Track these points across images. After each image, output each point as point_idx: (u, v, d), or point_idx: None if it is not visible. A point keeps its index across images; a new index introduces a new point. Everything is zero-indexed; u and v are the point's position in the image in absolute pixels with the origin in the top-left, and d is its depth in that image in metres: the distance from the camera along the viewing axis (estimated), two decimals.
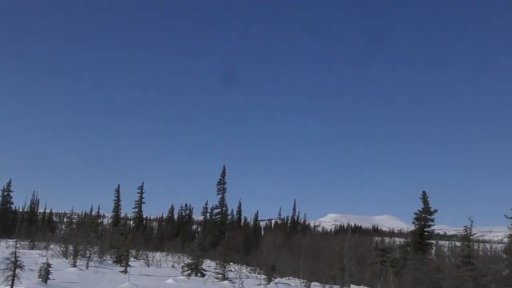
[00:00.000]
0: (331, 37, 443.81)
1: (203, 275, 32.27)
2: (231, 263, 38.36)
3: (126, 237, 35.00)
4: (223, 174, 76.61)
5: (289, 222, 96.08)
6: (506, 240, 43.90)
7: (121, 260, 34.37)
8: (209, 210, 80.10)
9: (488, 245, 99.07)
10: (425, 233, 43.72)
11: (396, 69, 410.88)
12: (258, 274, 40.51)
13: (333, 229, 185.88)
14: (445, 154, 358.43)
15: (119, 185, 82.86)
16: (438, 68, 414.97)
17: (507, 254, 42.48)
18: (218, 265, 31.54)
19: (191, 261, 34.22)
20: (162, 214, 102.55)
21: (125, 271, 28.67)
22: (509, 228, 40.69)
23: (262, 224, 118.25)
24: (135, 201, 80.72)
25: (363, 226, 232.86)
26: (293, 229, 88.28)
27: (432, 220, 43.60)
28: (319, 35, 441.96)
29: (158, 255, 51.82)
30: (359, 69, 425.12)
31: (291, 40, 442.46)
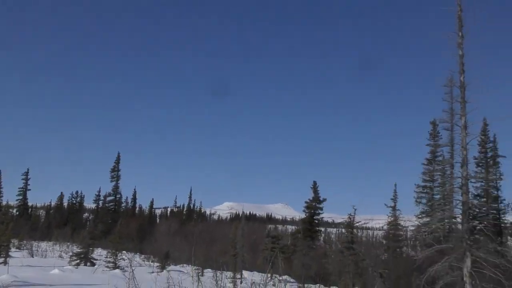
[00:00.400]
0: None
1: (93, 264, 31.20)
2: (124, 252, 37.44)
3: (7, 226, 32.59)
4: (117, 161, 74.48)
5: (185, 210, 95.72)
6: (385, 227, 47.78)
7: (1, 251, 31.97)
8: (102, 198, 77.44)
9: (370, 232, 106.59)
10: (315, 221, 46.06)
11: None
12: (151, 262, 40.05)
13: (229, 217, 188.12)
14: (333, 146, 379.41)
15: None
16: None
17: (386, 240, 46.31)
18: (110, 254, 30.69)
19: (80, 250, 32.92)
20: (51, 202, 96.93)
21: (5, 262, 26.87)
22: (388, 216, 44.38)
23: (158, 212, 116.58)
24: (19, 188, 75.80)
25: (257, 214, 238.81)
26: (189, 217, 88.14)
27: (321, 209, 46.03)
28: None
29: (44, 244, 49.08)
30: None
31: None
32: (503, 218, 39.73)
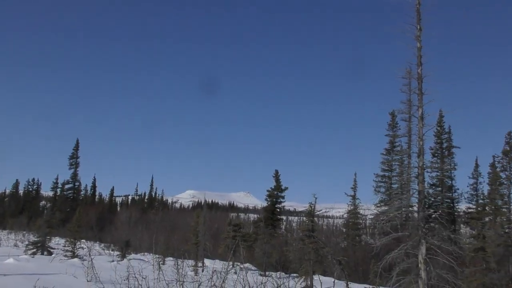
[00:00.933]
0: None
1: (50, 254, 30.52)
2: (83, 240, 36.78)
3: None
4: (76, 148, 72.89)
5: (146, 198, 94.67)
6: (345, 216, 48.82)
7: None
8: (60, 185, 75.62)
9: (331, 220, 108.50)
10: (276, 209, 46.55)
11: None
12: (112, 250, 39.53)
13: (191, 205, 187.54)
14: (295, 135, 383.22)
15: None
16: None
17: (346, 228, 47.33)
18: (68, 243, 30.09)
19: (36, 239, 32.12)
20: (5, 190, 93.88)
21: None
22: (348, 205, 45.33)
23: (119, 200, 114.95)
24: None
25: (220, 203, 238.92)
26: (150, 205, 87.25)
27: (283, 197, 46.57)
28: None
29: None
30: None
31: None
32: (457, 206, 41.26)
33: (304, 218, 29.02)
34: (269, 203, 46.44)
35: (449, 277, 13.86)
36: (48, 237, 32.12)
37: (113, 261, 27.72)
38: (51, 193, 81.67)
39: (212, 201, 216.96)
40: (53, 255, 28.66)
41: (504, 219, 23.51)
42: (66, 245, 30.01)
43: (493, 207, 25.96)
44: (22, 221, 60.82)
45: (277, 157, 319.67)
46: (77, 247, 30.18)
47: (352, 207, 44.53)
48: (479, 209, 27.74)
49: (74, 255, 28.89)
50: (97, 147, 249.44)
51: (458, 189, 41.37)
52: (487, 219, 25.63)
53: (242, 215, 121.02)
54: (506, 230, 22.50)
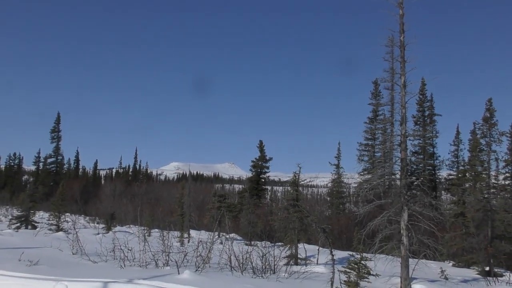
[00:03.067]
0: None
1: (34, 228, 30.38)
2: (68, 214, 36.65)
3: None
4: (58, 121, 71.90)
5: (130, 171, 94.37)
6: (330, 184, 49.30)
7: None
8: (42, 160, 74.83)
9: (315, 189, 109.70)
10: (261, 180, 46.86)
11: None
12: (97, 223, 39.51)
13: (176, 177, 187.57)
14: (279, 106, 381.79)
15: None
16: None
17: (330, 197, 47.91)
18: (52, 216, 29.96)
19: (20, 213, 31.90)
20: None
21: None
22: (332, 174, 45.77)
23: (103, 173, 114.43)
24: None
25: (204, 174, 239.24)
26: (135, 178, 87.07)
27: (268, 168, 46.85)
28: None
29: None
30: None
31: None
32: (438, 173, 41.99)
33: (289, 187, 29.20)
34: (254, 173, 46.68)
35: (430, 242, 14.17)
36: (32, 211, 31.91)
37: (98, 233, 27.73)
38: (33, 168, 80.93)
39: (197, 172, 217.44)
40: (37, 229, 28.55)
41: (484, 185, 23.97)
42: (51, 219, 29.88)
43: (473, 173, 26.42)
44: (5, 195, 60.30)
45: (261, 128, 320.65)
46: (62, 220, 30.08)
47: (336, 176, 45.01)
48: (459, 175, 28.19)
49: (58, 229, 28.81)
50: (79, 120, 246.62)
51: (439, 156, 42.11)
52: (467, 185, 26.09)
53: (227, 186, 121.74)
54: (485, 196, 22.94)
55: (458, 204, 24.20)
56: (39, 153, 76.08)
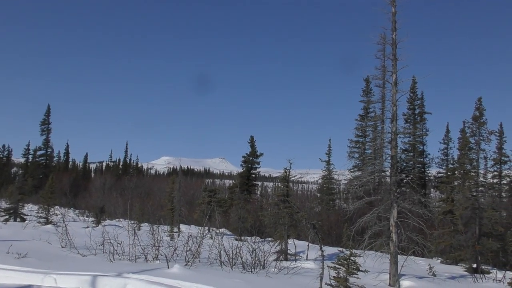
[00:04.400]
0: None
1: (23, 220, 30.19)
2: (57, 207, 36.41)
3: None
4: (48, 113, 71.33)
5: (120, 164, 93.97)
6: (320, 181, 49.50)
7: None
8: (31, 152, 74.23)
9: (306, 186, 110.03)
10: (252, 175, 46.87)
11: None
12: (86, 217, 39.33)
13: (166, 172, 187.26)
14: (270, 101, 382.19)
15: None
16: None
17: (320, 193, 48.08)
18: (41, 209, 29.76)
19: (9, 206, 31.67)
20: None
21: None
22: (323, 170, 45.92)
23: (93, 166, 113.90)
24: None
25: (195, 169, 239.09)
26: (125, 172, 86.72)
27: (258, 163, 46.85)
28: None
29: None
30: None
31: None
32: (427, 171, 42.30)
33: (279, 183, 29.28)
34: (244, 169, 46.69)
35: (419, 239, 14.30)
36: (21, 204, 31.66)
37: (87, 227, 27.63)
38: (22, 160, 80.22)
39: (187, 167, 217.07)
40: (26, 222, 28.37)
41: (472, 183, 24.20)
42: (40, 212, 29.66)
43: (462, 171, 26.65)
44: None
45: (252, 123, 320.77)
46: (51, 213, 29.89)
47: (326, 173, 45.16)
48: (448, 173, 28.45)
49: (47, 222, 28.63)
50: (70, 113, 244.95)
51: (429, 154, 42.42)
52: (456, 183, 26.32)
53: (217, 181, 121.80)
54: (474, 194, 23.16)
55: (446, 201, 24.41)
56: (28, 145, 75.47)
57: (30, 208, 38.66)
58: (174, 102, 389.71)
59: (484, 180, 32.32)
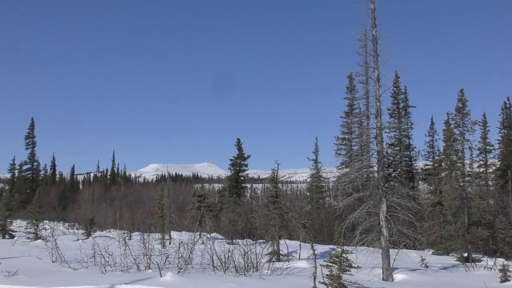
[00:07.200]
0: None
1: (12, 237, 29.83)
2: (46, 221, 36.03)
3: None
4: (32, 127, 70.53)
5: (108, 174, 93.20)
6: (309, 179, 49.59)
7: None
8: (17, 167, 73.28)
9: (295, 185, 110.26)
10: (240, 178, 46.84)
11: None
12: (76, 229, 38.97)
13: (155, 179, 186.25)
14: (255, 103, 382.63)
15: None
16: None
17: (309, 192, 48.17)
18: (30, 224, 29.40)
19: None
20: None
21: None
22: (311, 169, 46.02)
23: (80, 178, 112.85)
24: None
25: (184, 175, 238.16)
26: (113, 181, 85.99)
27: (246, 165, 46.84)
28: None
29: None
30: None
31: None
32: (414, 164, 42.66)
33: (268, 184, 29.29)
34: (232, 172, 46.64)
35: (409, 232, 14.42)
36: (9, 220, 31.27)
37: (78, 239, 27.37)
38: (8, 175, 79.13)
39: (176, 173, 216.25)
40: (15, 238, 28.02)
41: (459, 174, 24.45)
42: (28, 227, 29.30)
43: (448, 162, 26.89)
44: None
45: (238, 126, 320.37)
46: (40, 228, 29.55)
47: (314, 171, 45.28)
48: (435, 165, 28.66)
49: (37, 237, 28.31)
50: (54, 126, 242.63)
51: (415, 147, 42.78)
52: (443, 174, 26.58)
53: (206, 186, 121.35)
54: (461, 184, 23.42)
55: (435, 193, 24.65)
56: (14, 160, 74.50)
57: (18, 224, 38.15)
58: (158, 108, 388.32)
59: (471, 170, 32.68)
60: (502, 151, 40.16)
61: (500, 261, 18.08)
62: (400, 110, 42.10)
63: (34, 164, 72.36)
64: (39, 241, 26.20)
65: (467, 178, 24.79)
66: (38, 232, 29.03)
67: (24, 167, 71.74)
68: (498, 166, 39.99)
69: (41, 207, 30.42)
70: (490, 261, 18.51)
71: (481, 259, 20.63)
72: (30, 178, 71.67)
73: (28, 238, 27.91)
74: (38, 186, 60.55)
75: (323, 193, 45.51)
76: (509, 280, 13.06)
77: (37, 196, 30.25)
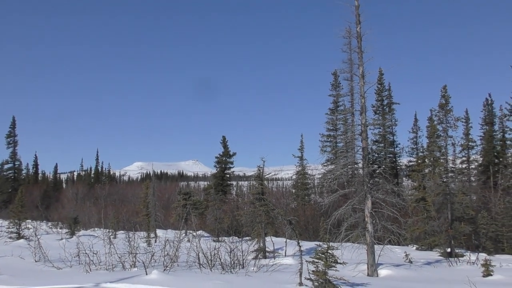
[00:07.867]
0: None
1: None
2: (28, 220, 35.57)
3: None
4: (13, 126, 69.50)
5: (92, 173, 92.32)
6: (294, 177, 49.70)
7: None
8: None
9: (280, 182, 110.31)
10: (226, 175, 46.80)
11: None
12: (60, 228, 38.55)
13: (140, 177, 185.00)
14: (240, 100, 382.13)
15: None
16: None
17: (295, 189, 48.29)
18: (12, 224, 29.01)
19: None
20: None
21: None
22: (296, 166, 46.14)
23: (64, 177, 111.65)
24: None
25: (169, 173, 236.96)
26: (97, 180, 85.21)
27: (232, 163, 46.82)
28: None
29: None
30: None
31: None
32: (399, 161, 43.02)
33: (254, 182, 29.29)
34: (218, 169, 46.57)
35: (394, 228, 14.54)
36: None
37: (61, 239, 27.07)
38: None
39: (160, 171, 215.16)
40: None
41: (442, 170, 24.69)
42: (10, 227, 28.90)
43: (432, 159, 27.16)
44: None
45: (224, 124, 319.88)
46: (22, 228, 29.17)
47: (300, 168, 45.38)
48: (419, 161, 28.98)
49: (19, 236, 27.95)
50: (36, 124, 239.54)
51: (399, 144, 43.13)
52: (426, 170, 26.81)
53: (192, 183, 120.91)
54: (444, 180, 23.66)
55: (419, 189, 24.88)
56: None
57: (0, 224, 37.65)
58: (141, 106, 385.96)
59: (453, 166, 32.99)
60: (484, 147, 40.64)
61: (483, 256, 18.34)
62: (384, 107, 42.40)
63: (16, 163, 71.35)
64: (21, 240, 25.87)
65: (450, 174, 25.01)
66: (20, 232, 28.67)
67: (6, 166, 70.74)
68: (480, 162, 40.48)
69: (24, 206, 30.04)
70: (473, 256, 18.75)
71: (464, 254, 20.87)
72: (12, 177, 70.66)
73: (10, 237, 27.54)
74: (20, 185, 59.66)
75: (308, 190, 45.65)
76: (491, 275, 13.27)
77: (19, 195, 29.84)
